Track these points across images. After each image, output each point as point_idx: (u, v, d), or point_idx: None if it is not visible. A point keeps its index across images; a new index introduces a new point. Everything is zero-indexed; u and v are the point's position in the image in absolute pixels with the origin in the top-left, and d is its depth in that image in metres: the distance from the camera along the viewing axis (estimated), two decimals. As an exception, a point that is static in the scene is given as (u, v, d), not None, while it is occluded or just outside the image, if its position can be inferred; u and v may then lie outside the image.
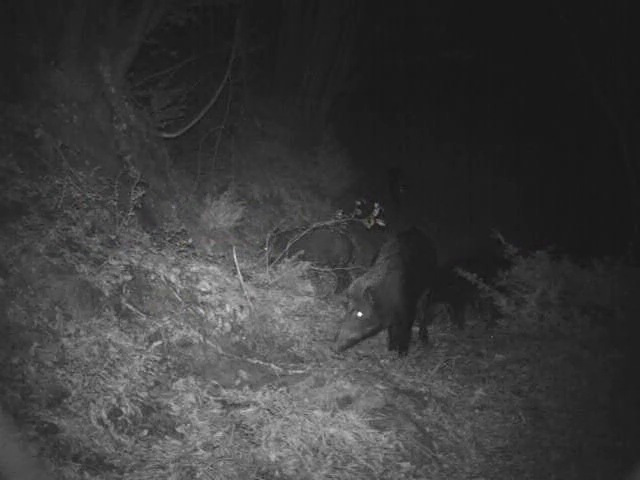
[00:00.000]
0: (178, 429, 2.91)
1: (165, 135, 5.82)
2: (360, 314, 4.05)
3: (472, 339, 5.08)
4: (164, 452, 2.72)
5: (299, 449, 2.75)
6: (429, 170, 10.90)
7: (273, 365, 3.75)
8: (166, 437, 2.83)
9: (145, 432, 2.83)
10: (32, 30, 4.54)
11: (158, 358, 3.28)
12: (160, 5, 5.33)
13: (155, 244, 4.23)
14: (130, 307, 3.53)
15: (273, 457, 2.70)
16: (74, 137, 4.50)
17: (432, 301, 5.38)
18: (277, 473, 2.63)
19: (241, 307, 4.10)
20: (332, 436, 2.86)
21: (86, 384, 2.85)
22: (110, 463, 2.56)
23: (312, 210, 7.58)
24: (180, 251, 4.30)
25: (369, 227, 4.86)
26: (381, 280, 4.21)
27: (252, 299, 4.24)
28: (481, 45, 9.62)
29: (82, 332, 3.11)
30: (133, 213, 4.17)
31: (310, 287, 5.11)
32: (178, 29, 5.76)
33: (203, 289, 4.05)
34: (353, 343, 4.16)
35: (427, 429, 3.20)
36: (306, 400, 3.20)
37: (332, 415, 3.02)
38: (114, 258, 3.66)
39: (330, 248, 5.94)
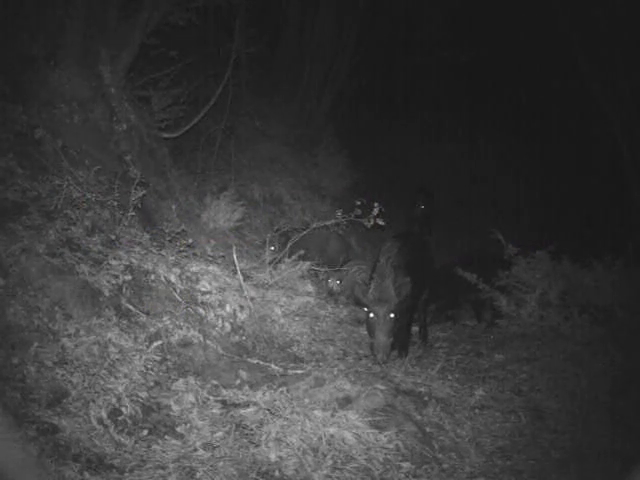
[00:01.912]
0: (178, 429, 2.91)
1: (165, 135, 5.82)
2: (392, 315, 4.00)
3: (472, 339, 5.08)
4: (164, 452, 2.72)
5: (299, 449, 2.75)
6: (429, 170, 10.88)
7: (273, 365, 3.75)
8: (166, 437, 2.83)
9: (145, 432, 2.83)
10: (32, 30, 4.54)
11: (158, 358, 3.29)
12: (160, 5, 5.33)
13: (155, 244, 4.23)
14: (130, 307, 3.53)
15: (273, 457, 2.70)
16: (74, 137, 4.50)
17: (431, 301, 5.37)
18: (277, 473, 2.63)
19: (241, 307, 4.10)
20: (332, 436, 2.86)
21: (86, 384, 2.85)
22: (110, 463, 2.56)
23: (312, 210, 7.58)
24: (180, 251, 4.30)
25: (369, 227, 4.87)
26: (393, 278, 4.18)
27: (252, 299, 4.24)
28: (481, 45, 9.63)
29: (82, 332, 3.11)
30: (133, 213, 4.17)
31: (310, 287, 5.12)
32: (178, 29, 5.75)
33: (203, 289, 4.05)
34: (391, 348, 4.10)
35: (427, 429, 3.20)
36: (306, 400, 3.20)
37: (332, 415, 3.02)
38: (114, 258, 3.66)
39: (325, 248, 5.96)
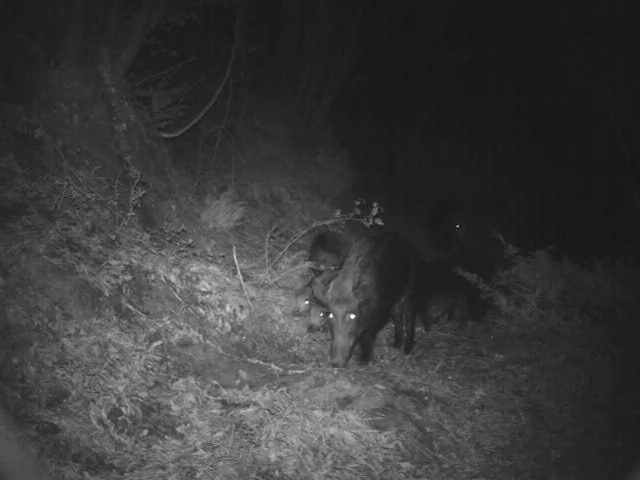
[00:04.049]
0: (178, 429, 2.91)
1: (165, 135, 5.82)
2: (353, 316, 3.75)
3: (472, 339, 5.08)
4: (164, 452, 2.72)
5: (299, 449, 2.75)
6: (429, 169, 10.90)
7: (273, 365, 3.75)
8: (166, 437, 2.84)
9: (145, 432, 2.83)
10: (32, 30, 4.54)
11: (158, 358, 3.29)
12: (160, 5, 5.33)
13: (155, 244, 4.23)
14: (130, 307, 3.53)
15: (273, 457, 2.70)
16: (74, 137, 4.50)
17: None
18: (277, 473, 2.63)
19: (241, 307, 4.10)
20: (332, 436, 2.86)
21: (86, 384, 2.85)
22: (110, 463, 2.56)
23: (312, 210, 7.57)
24: (180, 251, 4.30)
25: (368, 227, 4.86)
26: (359, 278, 3.88)
27: (252, 299, 4.24)
28: (481, 45, 9.63)
29: (82, 332, 3.11)
30: (133, 213, 4.17)
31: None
32: (178, 29, 5.75)
33: (203, 289, 4.05)
34: (352, 352, 3.87)
35: (427, 429, 3.20)
36: (306, 400, 3.20)
37: (332, 415, 3.02)
38: (114, 258, 3.67)
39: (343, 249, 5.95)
